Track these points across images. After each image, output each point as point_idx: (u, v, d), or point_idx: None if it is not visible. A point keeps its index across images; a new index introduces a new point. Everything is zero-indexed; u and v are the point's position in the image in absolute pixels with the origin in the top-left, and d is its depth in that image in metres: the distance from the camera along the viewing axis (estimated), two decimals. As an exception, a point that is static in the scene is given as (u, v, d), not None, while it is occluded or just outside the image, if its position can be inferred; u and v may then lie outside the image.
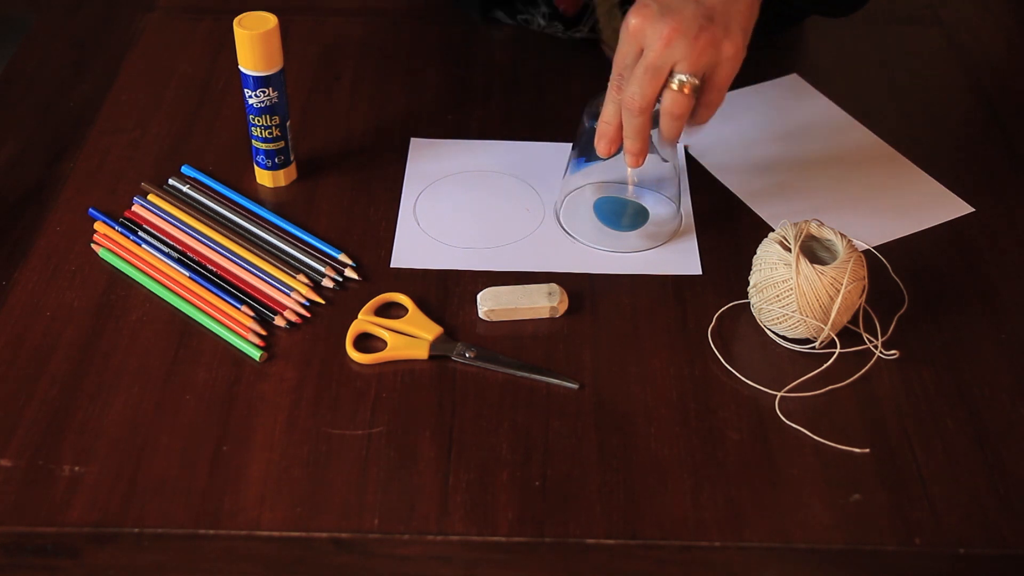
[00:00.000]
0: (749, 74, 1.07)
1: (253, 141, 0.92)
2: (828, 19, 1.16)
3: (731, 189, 0.94)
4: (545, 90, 1.06)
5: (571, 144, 0.90)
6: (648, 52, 0.77)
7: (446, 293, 0.84)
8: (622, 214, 0.89)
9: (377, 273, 0.86)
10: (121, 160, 0.96)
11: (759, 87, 1.06)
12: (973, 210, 0.93)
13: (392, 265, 0.86)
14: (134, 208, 0.91)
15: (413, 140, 0.99)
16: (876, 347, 0.80)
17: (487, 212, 0.92)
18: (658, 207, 0.89)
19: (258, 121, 0.90)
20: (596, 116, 0.83)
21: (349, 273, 0.86)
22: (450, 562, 0.70)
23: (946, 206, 0.93)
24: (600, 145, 0.82)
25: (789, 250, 0.78)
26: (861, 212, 0.92)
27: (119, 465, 0.72)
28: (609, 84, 0.81)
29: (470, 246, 0.88)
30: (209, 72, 1.07)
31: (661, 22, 0.76)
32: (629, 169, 0.84)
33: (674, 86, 0.78)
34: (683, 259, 0.87)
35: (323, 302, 0.84)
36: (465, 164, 0.97)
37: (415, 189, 0.94)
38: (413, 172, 0.96)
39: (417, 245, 0.88)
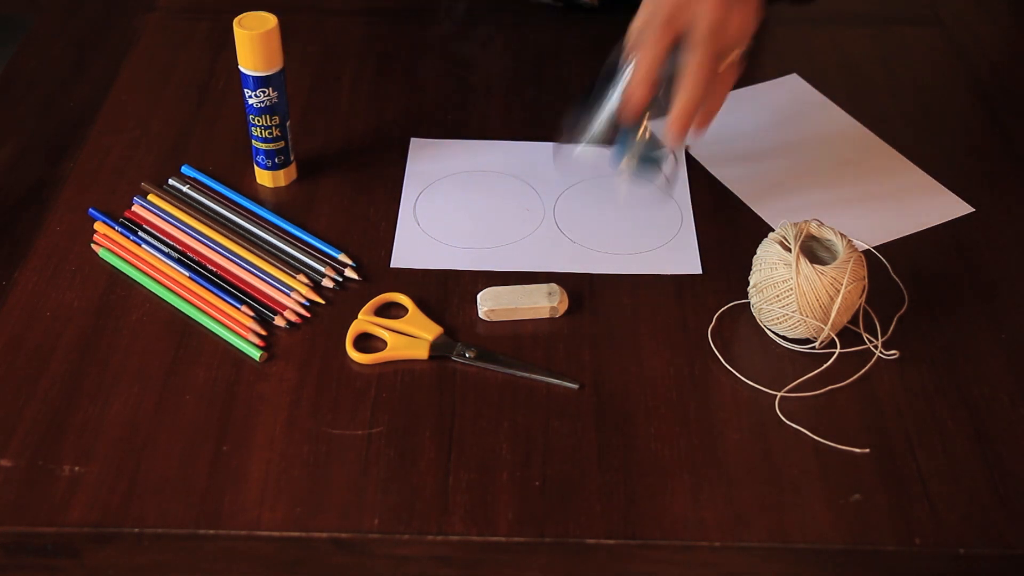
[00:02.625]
0: (749, 75, 1.07)
1: (253, 141, 0.92)
2: (828, 19, 1.16)
3: (731, 189, 0.94)
4: (545, 90, 1.06)
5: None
6: (701, 24, 0.77)
7: (446, 293, 0.84)
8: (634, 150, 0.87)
9: (377, 273, 0.86)
10: (121, 160, 0.96)
11: (759, 87, 1.06)
12: (973, 210, 0.93)
13: (392, 265, 0.86)
14: (134, 208, 0.91)
15: (413, 140, 0.99)
16: (876, 347, 0.80)
17: (487, 212, 0.92)
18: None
19: (258, 121, 0.90)
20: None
21: (349, 273, 0.86)
22: (450, 562, 0.70)
23: (946, 206, 0.93)
24: (634, 102, 0.79)
25: (789, 250, 0.78)
26: (861, 212, 0.92)
27: (119, 465, 0.72)
28: (636, 41, 0.79)
29: (470, 246, 0.88)
30: (209, 72, 1.07)
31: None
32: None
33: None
34: (683, 259, 0.87)
35: (323, 302, 0.84)
36: (465, 164, 0.97)
37: (415, 189, 0.94)
38: (413, 172, 0.96)
39: (417, 245, 0.88)
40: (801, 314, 0.78)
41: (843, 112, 1.03)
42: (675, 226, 0.90)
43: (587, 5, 1.08)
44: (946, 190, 0.95)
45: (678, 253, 0.88)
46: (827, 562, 0.70)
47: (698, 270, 0.86)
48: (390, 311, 0.83)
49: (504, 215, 0.91)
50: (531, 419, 0.76)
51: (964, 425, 0.76)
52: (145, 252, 0.87)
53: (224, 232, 0.88)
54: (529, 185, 0.94)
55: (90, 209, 0.91)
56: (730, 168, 0.96)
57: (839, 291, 0.77)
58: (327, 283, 0.85)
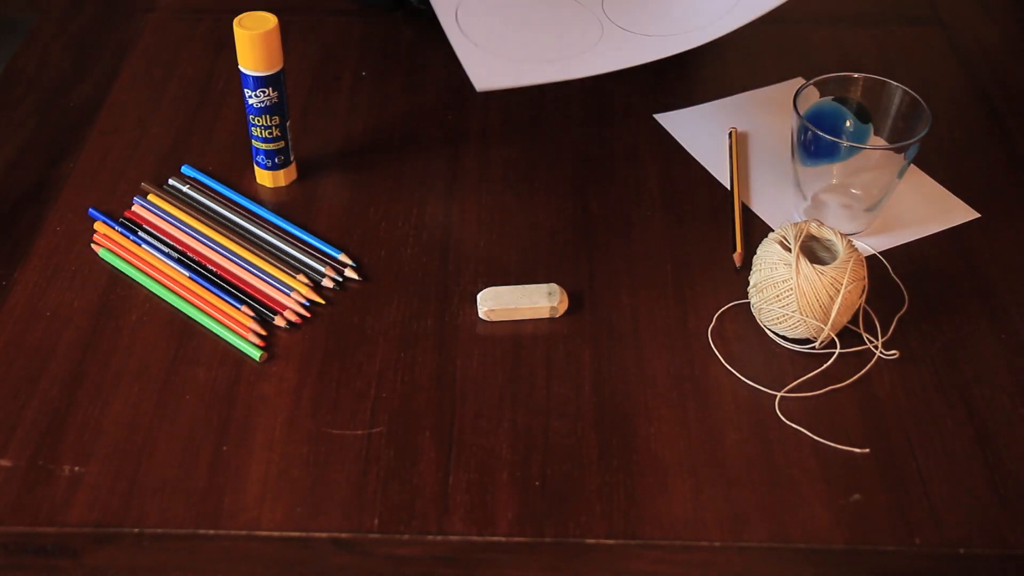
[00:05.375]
0: (754, 77, 1.08)
1: (253, 141, 0.92)
2: (828, 19, 1.16)
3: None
4: (545, 89, 1.05)
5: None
6: None
7: (446, 293, 0.84)
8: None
9: (377, 273, 0.86)
10: (121, 160, 0.96)
11: (764, 90, 1.06)
12: (979, 215, 0.92)
13: (479, 89, 0.82)
14: (134, 208, 0.91)
15: None
16: (876, 347, 0.80)
17: (534, 18, 0.85)
18: None
19: (258, 121, 0.90)
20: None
21: (349, 273, 0.86)
22: (450, 562, 0.70)
23: (951, 211, 0.93)
24: None
25: (789, 250, 0.78)
26: (864, 217, 0.92)
27: (119, 465, 0.72)
28: None
29: (540, 58, 0.81)
30: (209, 72, 1.07)
31: None
32: None
33: None
34: None
35: (323, 302, 0.84)
36: None
37: (449, 7, 0.87)
38: None
39: (491, 63, 0.81)
40: (801, 314, 0.78)
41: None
42: None
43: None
44: (951, 195, 0.94)
45: None
46: (827, 562, 0.70)
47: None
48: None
49: (553, 20, 0.85)
50: (531, 419, 0.76)
51: (964, 425, 0.76)
52: (145, 252, 0.87)
53: (224, 232, 0.88)
54: None
55: (90, 209, 0.91)
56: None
57: (839, 291, 0.77)
58: (327, 283, 0.85)
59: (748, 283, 0.82)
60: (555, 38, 0.83)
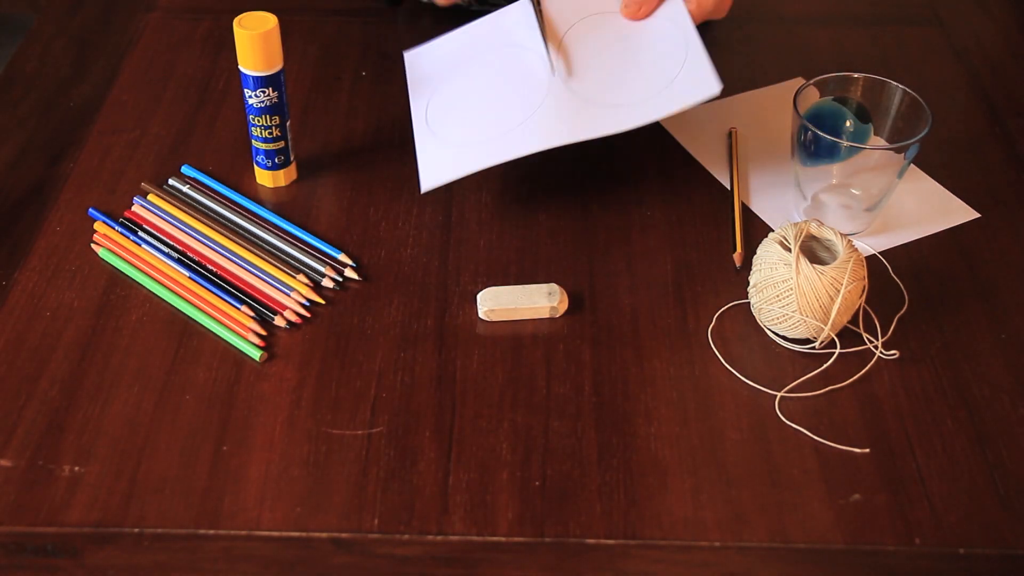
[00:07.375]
0: (754, 77, 1.08)
1: (253, 141, 0.92)
2: (828, 19, 1.16)
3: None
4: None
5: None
6: None
7: (446, 293, 0.84)
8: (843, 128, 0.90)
9: (377, 273, 0.86)
10: (121, 160, 0.96)
11: (764, 90, 1.06)
12: (979, 215, 0.92)
13: (423, 190, 0.86)
14: (134, 208, 0.91)
15: (406, 54, 0.99)
16: (876, 347, 0.80)
17: (496, 91, 0.90)
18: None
19: (258, 121, 0.90)
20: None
21: (349, 273, 0.86)
22: (450, 562, 0.70)
23: (951, 211, 0.93)
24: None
25: (789, 250, 0.78)
26: (864, 217, 0.92)
27: (119, 465, 0.72)
28: None
29: (487, 138, 0.86)
30: (209, 72, 1.07)
31: None
32: None
33: None
34: (698, 81, 0.83)
35: (323, 302, 0.84)
36: (461, 59, 0.95)
37: (422, 100, 0.93)
38: (415, 82, 0.95)
39: (439, 159, 0.87)
40: (801, 314, 0.78)
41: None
42: (681, 49, 0.87)
43: None
44: (952, 195, 0.94)
45: (693, 76, 0.84)
46: (827, 562, 0.70)
47: (716, 88, 0.82)
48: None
49: (512, 88, 0.89)
50: (531, 419, 0.76)
51: (964, 425, 0.76)
52: (145, 252, 0.87)
53: (224, 232, 0.88)
54: (526, 48, 0.92)
55: (90, 209, 0.91)
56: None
57: (839, 291, 0.77)
58: (327, 283, 0.85)
59: (748, 283, 0.82)
60: (502, 109, 0.88)
